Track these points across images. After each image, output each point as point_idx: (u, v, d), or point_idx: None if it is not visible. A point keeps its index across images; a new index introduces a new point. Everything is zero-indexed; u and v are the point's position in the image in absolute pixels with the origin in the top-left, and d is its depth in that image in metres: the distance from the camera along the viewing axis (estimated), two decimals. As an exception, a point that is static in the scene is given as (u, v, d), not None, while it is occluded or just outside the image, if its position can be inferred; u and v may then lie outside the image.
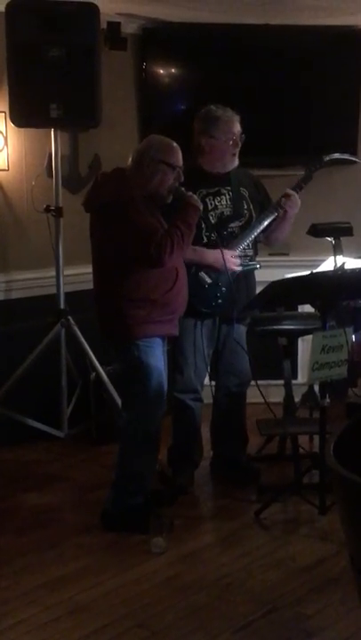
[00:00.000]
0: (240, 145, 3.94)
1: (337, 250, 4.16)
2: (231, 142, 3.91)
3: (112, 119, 4.80)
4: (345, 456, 2.01)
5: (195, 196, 3.68)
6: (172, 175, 3.56)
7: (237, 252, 3.93)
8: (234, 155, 3.95)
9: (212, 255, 3.84)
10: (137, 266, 3.50)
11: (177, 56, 5.32)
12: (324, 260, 4.37)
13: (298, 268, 4.32)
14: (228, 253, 3.86)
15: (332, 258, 4.18)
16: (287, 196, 3.95)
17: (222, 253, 3.80)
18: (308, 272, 3.76)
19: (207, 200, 3.93)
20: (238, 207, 3.97)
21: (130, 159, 3.61)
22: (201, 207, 3.68)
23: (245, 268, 3.99)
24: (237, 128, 3.93)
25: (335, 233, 4.21)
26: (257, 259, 4.11)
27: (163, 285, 3.55)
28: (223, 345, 4.11)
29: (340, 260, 4.14)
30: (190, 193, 3.67)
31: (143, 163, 3.54)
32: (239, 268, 3.93)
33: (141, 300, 3.53)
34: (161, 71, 5.32)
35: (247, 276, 4.07)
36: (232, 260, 3.89)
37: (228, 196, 3.97)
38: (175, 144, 3.60)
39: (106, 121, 4.59)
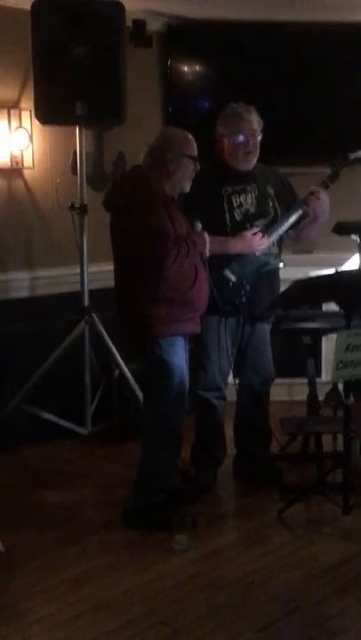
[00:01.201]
0: (253, 146, 3.87)
1: (362, 248, 4.14)
2: (239, 141, 3.86)
3: (137, 117, 4.80)
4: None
5: (205, 235, 3.64)
6: (192, 166, 3.58)
7: (258, 229, 3.89)
8: (247, 154, 3.88)
9: (240, 243, 3.82)
10: (149, 264, 3.49)
11: (202, 53, 5.31)
12: (348, 259, 4.35)
13: (322, 266, 4.30)
14: (250, 232, 3.83)
15: (357, 256, 4.16)
16: (312, 193, 3.92)
17: (245, 237, 3.78)
18: (332, 270, 3.74)
19: (233, 198, 3.91)
20: (263, 205, 3.95)
21: (146, 155, 3.59)
22: (207, 248, 3.64)
23: (270, 267, 3.97)
24: (250, 126, 3.86)
25: (360, 231, 4.19)
26: (281, 257, 4.09)
27: (183, 285, 3.54)
28: (247, 343, 4.09)
29: (365, 258, 4.12)
30: (203, 232, 3.63)
31: (166, 159, 3.53)
32: (265, 245, 3.89)
33: (162, 299, 3.52)
34: (186, 68, 5.32)
35: (271, 274, 4.05)
36: (257, 239, 3.85)
37: (253, 194, 3.95)
38: (190, 135, 3.61)
39: (130, 118, 4.59)
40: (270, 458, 4.32)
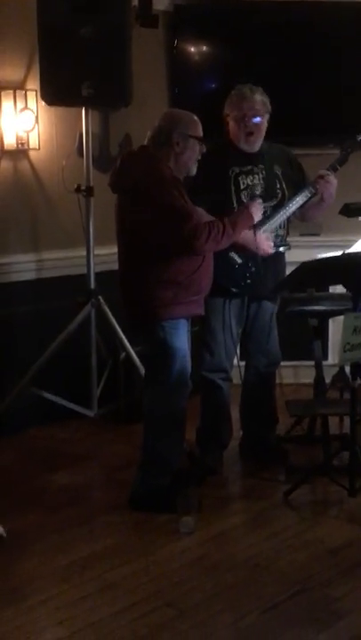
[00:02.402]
0: (252, 125, 3.82)
1: (369, 230, 4.12)
2: (241, 120, 3.82)
3: (143, 98, 4.77)
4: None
5: (258, 207, 3.68)
6: (198, 147, 3.56)
7: (271, 235, 3.89)
8: (248, 135, 3.84)
9: (248, 237, 3.81)
10: (164, 248, 3.48)
11: (208, 33, 5.27)
12: (356, 241, 4.32)
13: (330, 248, 4.27)
14: (263, 236, 3.82)
15: (364, 238, 4.14)
16: (321, 177, 3.90)
17: (256, 236, 3.76)
18: (339, 252, 3.72)
19: (240, 179, 3.89)
20: (271, 187, 3.93)
21: (151, 136, 3.56)
22: (258, 220, 3.69)
23: (275, 249, 3.96)
24: (249, 106, 3.81)
25: (368, 213, 4.17)
26: (288, 239, 4.07)
27: (189, 266, 3.53)
28: (252, 324, 4.09)
29: (373, 240, 4.10)
30: (258, 201, 3.68)
31: (172, 140, 3.51)
32: (272, 251, 3.89)
33: (168, 281, 3.51)
34: (192, 48, 5.28)
35: (277, 257, 4.03)
36: (266, 243, 3.85)
37: (260, 175, 3.92)
38: (196, 116, 3.59)
39: (137, 99, 4.57)
40: (276, 440, 4.32)
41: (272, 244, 3.89)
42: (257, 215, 3.69)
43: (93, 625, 2.82)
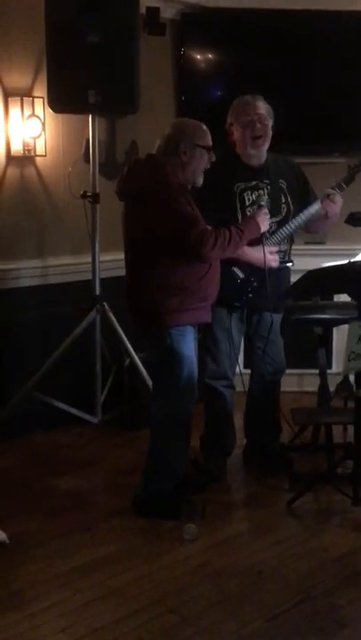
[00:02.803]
0: (259, 130, 3.83)
1: (375, 239, 4.12)
2: (248, 125, 3.83)
3: (150, 105, 4.79)
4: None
5: (265, 217, 3.70)
6: (207, 157, 3.57)
7: (275, 249, 3.89)
8: (255, 139, 3.84)
9: (255, 253, 3.80)
10: (171, 255, 3.49)
11: (215, 41, 5.30)
12: (361, 249, 4.33)
13: (335, 256, 4.28)
14: (268, 250, 3.82)
15: (369, 247, 4.14)
16: (328, 196, 3.90)
17: (264, 252, 3.77)
18: (345, 261, 3.72)
19: (245, 195, 3.88)
20: (276, 202, 3.92)
21: (160, 145, 3.57)
22: (265, 230, 3.71)
23: (279, 265, 3.95)
24: (254, 110, 3.83)
25: (373, 222, 4.17)
26: (293, 247, 4.08)
27: (196, 273, 3.54)
28: (255, 333, 4.09)
29: (378, 249, 4.10)
30: (264, 211, 3.70)
31: (180, 149, 3.52)
32: (276, 265, 3.89)
33: (174, 287, 3.51)
34: (199, 56, 5.30)
35: (280, 272, 4.00)
36: (271, 257, 3.86)
37: (266, 191, 3.91)
38: (205, 126, 3.59)
39: (144, 107, 4.58)
40: (280, 448, 4.32)
41: (277, 258, 3.89)
42: (264, 225, 3.70)
43: (96, 632, 2.81)
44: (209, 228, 3.48)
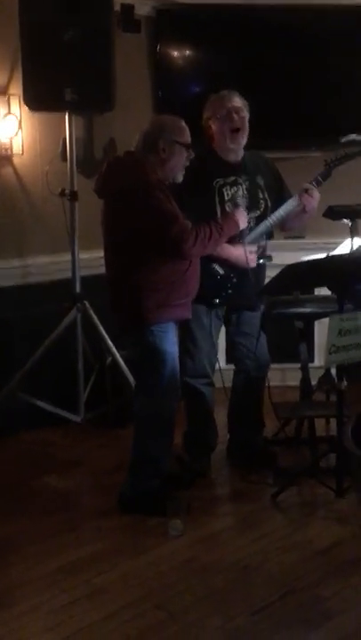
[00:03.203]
0: (237, 121, 3.83)
1: (354, 232, 4.14)
2: (227, 121, 3.82)
3: (126, 102, 4.78)
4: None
5: (243, 214, 3.71)
6: (186, 154, 3.57)
7: (254, 248, 3.90)
8: (233, 131, 3.84)
9: (234, 251, 3.81)
10: (153, 251, 3.49)
11: (191, 37, 5.29)
12: (340, 243, 4.34)
13: (314, 250, 4.30)
14: (248, 249, 3.83)
15: (348, 240, 4.16)
16: (305, 190, 3.92)
17: (245, 251, 3.77)
18: (324, 255, 3.74)
19: (224, 190, 3.88)
20: (254, 197, 3.93)
21: (138, 142, 3.57)
22: (243, 227, 3.71)
23: (257, 261, 3.96)
24: (231, 103, 3.84)
25: (352, 215, 4.19)
26: (273, 241, 4.08)
27: (176, 270, 3.54)
28: (235, 330, 4.10)
29: (357, 242, 4.12)
30: (241, 210, 3.71)
31: (158, 146, 3.52)
32: (254, 264, 3.91)
33: (156, 284, 3.52)
34: (175, 53, 5.30)
35: (258, 268, 4.01)
36: (251, 256, 3.87)
37: (244, 186, 3.91)
38: (184, 122, 3.59)
39: (120, 104, 4.58)
40: (264, 442, 4.33)
41: (255, 257, 3.90)
42: (242, 222, 3.71)
43: (84, 630, 2.81)
44: (189, 224, 3.48)
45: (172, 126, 3.56)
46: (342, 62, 5.27)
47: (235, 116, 3.83)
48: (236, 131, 3.85)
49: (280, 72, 5.22)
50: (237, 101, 3.87)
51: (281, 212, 3.91)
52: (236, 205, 3.78)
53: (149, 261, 3.51)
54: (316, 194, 3.92)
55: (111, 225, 3.59)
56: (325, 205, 4.21)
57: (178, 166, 3.57)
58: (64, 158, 4.69)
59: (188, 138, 3.57)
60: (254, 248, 3.90)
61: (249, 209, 3.87)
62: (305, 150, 4.97)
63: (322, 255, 3.75)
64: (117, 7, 4.76)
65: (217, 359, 4.13)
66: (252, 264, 3.88)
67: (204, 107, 3.92)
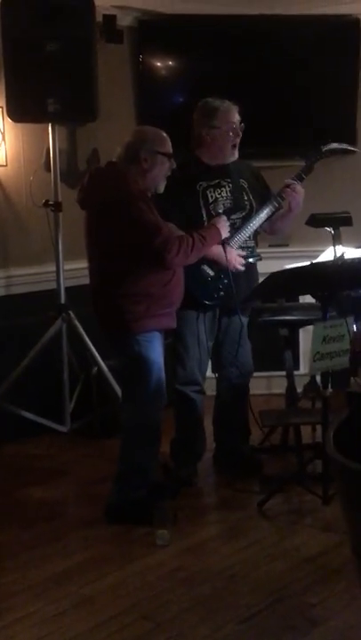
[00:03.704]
0: (240, 134, 3.92)
1: (336, 240, 4.15)
2: (231, 132, 3.89)
3: (109, 113, 4.80)
4: (346, 445, 2.01)
5: (225, 223, 3.73)
6: (168, 164, 3.58)
7: (241, 251, 3.92)
8: (234, 146, 3.93)
9: (217, 251, 3.83)
10: (136, 262, 3.50)
11: (173, 48, 5.31)
12: (323, 251, 4.36)
13: (298, 258, 4.31)
14: (233, 253, 3.85)
15: (331, 248, 4.18)
16: (287, 186, 3.95)
17: (225, 253, 3.78)
18: (307, 262, 3.76)
19: (208, 192, 3.92)
20: (239, 199, 3.97)
21: (120, 153, 3.59)
22: (225, 236, 3.73)
23: (247, 261, 3.99)
24: (236, 117, 3.92)
25: (334, 223, 4.20)
26: (257, 250, 4.10)
27: (160, 279, 3.55)
28: (224, 336, 4.11)
29: (340, 249, 4.14)
30: (223, 218, 3.74)
31: (140, 156, 3.53)
32: (242, 268, 3.92)
33: (139, 294, 3.53)
34: (158, 63, 5.32)
35: (249, 268, 4.05)
36: (237, 259, 3.88)
37: (228, 188, 3.96)
38: (165, 133, 3.62)
39: (103, 114, 4.59)
40: (250, 450, 4.34)
41: (243, 261, 3.92)
42: (224, 231, 3.73)
43: (71, 641, 2.81)
44: (172, 234, 3.49)
45: (153, 137, 3.58)
46: (325, 72, 5.31)
47: (239, 131, 3.90)
48: (236, 144, 3.93)
49: (263, 82, 5.24)
50: (237, 114, 3.92)
51: (265, 209, 3.94)
52: (218, 214, 3.80)
53: (133, 272, 3.52)
54: (300, 188, 3.96)
55: (94, 236, 3.60)
56: (308, 214, 4.23)
57: (159, 176, 3.59)
58: (48, 169, 4.70)
59: (169, 148, 3.59)
60: (243, 253, 3.91)
61: (234, 210, 3.91)
62: (289, 159, 4.99)
63: (305, 263, 3.77)
64: (100, 18, 4.77)
65: (208, 366, 4.13)
66: (240, 267, 3.90)
67: (201, 114, 3.94)
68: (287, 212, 4.01)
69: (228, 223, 3.77)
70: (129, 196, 3.47)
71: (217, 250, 3.79)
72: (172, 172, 3.64)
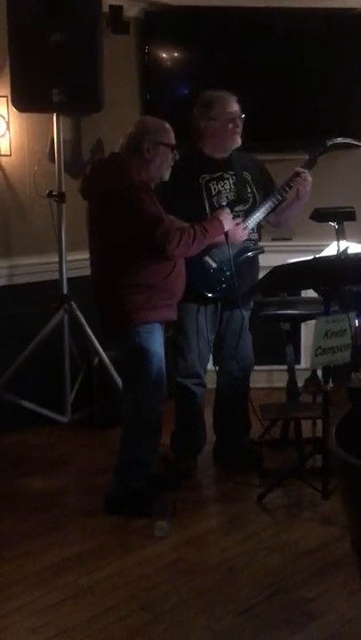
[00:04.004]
0: (240, 125, 3.90)
1: (340, 234, 4.16)
2: (230, 123, 3.87)
3: (114, 103, 4.78)
4: (347, 440, 2.01)
5: (228, 215, 3.72)
6: (170, 155, 3.58)
7: (240, 220, 3.90)
8: (234, 134, 3.89)
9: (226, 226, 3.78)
10: (137, 253, 3.50)
11: (179, 39, 5.30)
12: (327, 245, 4.37)
13: (301, 252, 4.31)
14: (232, 223, 3.80)
15: (335, 242, 4.18)
16: (297, 174, 3.94)
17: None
18: (311, 257, 3.75)
19: (211, 185, 3.91)
20: (242, 191, 3.96)
21: (123, 144, 3.58)
22: (228, 228, 3.72)
23: (249, 254, 3.99)
24: (235, 107, 3.90)
25: (338, 218, 4.21)
26: (260, 244, 4.10)
27: (161, 271, 3.55)
28: (225, 329, 4.10)
29: (343, 244, 4.14)
30: (226, 210, 3.72)
31: (143, 147, 3.53)
32: (246, 237, 3.90)
33: (141, 285, 3.53)
34: (163, 54, 5.30)
35: (251, 261, 4.06)
36: (240, 229, 3.86)
37: (231, 181, 3.95)
38: (168, 124, 3.60)
39: (108, 105, 4.58)
40: (250, 444, 4.34)
41: (245, 232, 3.89)
42: (227, 223, 3.72)
43: (68, 631, 2.81)
44: (173, 225, 3.48)
45: (156, 127, 3.57)
46: (330, 65, 5.29)
47: (238, 121, 3.88)
48: (238, 132, 3.90)
49: (268, 74, 5.23)
50: (235, 104, 3.91)
51: (267, 202, 3.95)
52: (221, 207, 3.80)
53: (134, 263, 3.51)
54: (309, 177, 3.95)
55: (96, 226, 3.60)
56: (312, 208, 4.23)
57: (163, 167, 3.58)
58: (52, 159, 4.69)
59: (172, 139, 3.58)
60: (239, 221, 3.88)
61: (237, 202, 3.90)
62: (292, 152, 4.98)
63: (308, 257, 3.76)
64: (106, 8, 4.76)
65: (210, 359, 4.13)
66: (244, 236, 3.89)
67: (200, 105, 3.93)
68: (295, 200, 4.00)
69: (231, 215, 3.76)
70: (131, 186, 3.47)
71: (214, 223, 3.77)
72: (175, 164, 3.63)
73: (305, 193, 3.98)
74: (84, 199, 3.65)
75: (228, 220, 3.73)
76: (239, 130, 3.91)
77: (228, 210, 3.77)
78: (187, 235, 3.50)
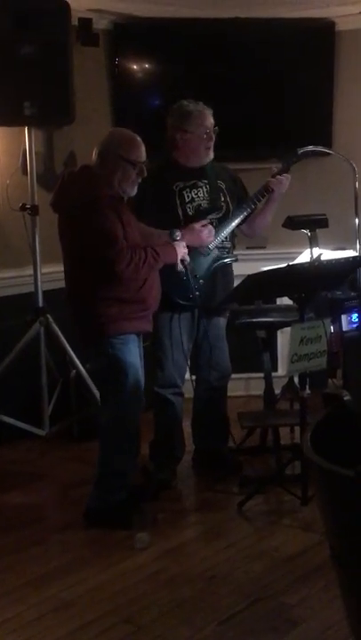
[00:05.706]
0: (214, 138, 3.94)
1: (313, 242, 4.18)
2: (205, 136, 3.92)
3: (86, 115, 4.79)
4: (322, 446, 2.02)
5: (182, 247, 3.70)
6: (133, 171, 3.52)
7: (206, 222, 3.92)
8: (208, 149, 3.95)
9: (187, 234, 3.81)
10: (103, 267, 3.49)
11: (149, 51, 5.32)
12: (300, 253, 4.39)
13: (275, 260, 4.33)
14: (185, 251, 3.76)
15: (308, 250, 4.20)
16: (273, 176, 4.00)
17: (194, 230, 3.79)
18: (284, 264, 3.77)
19: (184, 193, 3.94)
20: (215, 200, 3.98)
21: (94, 154, 3.58)
22: (180, 257, 3.70)
23: (222, 262, 4.01)
24: (210, 121, 3.93)
25: (311, 225, 4.22)
26: (234, 252, 4.13)
27: (134, 284, 3.55)
28: (203, 339, 4.11)
29: (317, 251, 4.16)
30: (183, 244, 3.70)
31: (107, 158, 3.52)
32: (211, 239, 3.92)
33: (112, 298, 3.53)
34: (133, 66, 5.32)
35: (225, 269, 4.08)
36: (205, 233, 3.87)
37: (205, 189, 3.97)
38: (138, 138, 3.55)
39: (80, 117, 4.58)
40: (229, 452, 4.35)
41: (212, 231, 3.91)
42: (180, 253, 3.70)
43: (51, 645, 2.80)
44: (128, 246, 3.46)
45: (119, 141, 3.54)
46: (301, 75, 5.33)
47: (213, 135, 3.91)
48: (210, 147, 3.94)
49: (239, 85, 5.26)
50: (210, 118, 3.94)
51: (241, 210, 4.00)
52: (199, 212, 3.81)
53: (103, 277, 3.50)
54: (285, 180, 4.01)
55: (67, 239, 3.60)
56: (285, 216, 4.25)
57: (125, 182, 3.52)
58: (24, 172, 4.68)
59: (136, 155, 3.52)
60: (206, 222, 3.90)
61: (210, 210, 3.94)
62: (264, 161, 5.01)
63: (282, 265, 3.79)
64: (75, 21, 4.77)
65: (187, 368, 4.13)
66: (211, 238, 3.90)
67: (174, 116, 3.95)
68: (267, 203, 4.04)
69: (185, 250, 3.72)
70: (95, 200, 3.46)
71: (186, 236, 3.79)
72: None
73: (279, 194, 4.03)
74: (54, 212, 3.64)
75: (181, 251, 3.71)
76: (212, 143, 3.94)
77: (183, 243, 3.72)
78: (137, 257, 3.47)
